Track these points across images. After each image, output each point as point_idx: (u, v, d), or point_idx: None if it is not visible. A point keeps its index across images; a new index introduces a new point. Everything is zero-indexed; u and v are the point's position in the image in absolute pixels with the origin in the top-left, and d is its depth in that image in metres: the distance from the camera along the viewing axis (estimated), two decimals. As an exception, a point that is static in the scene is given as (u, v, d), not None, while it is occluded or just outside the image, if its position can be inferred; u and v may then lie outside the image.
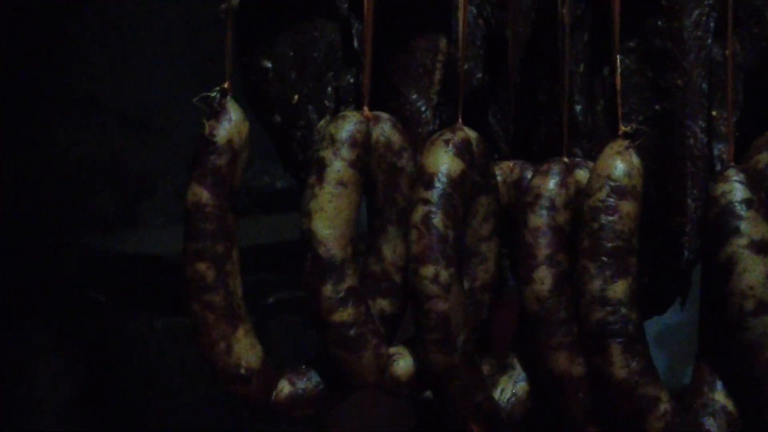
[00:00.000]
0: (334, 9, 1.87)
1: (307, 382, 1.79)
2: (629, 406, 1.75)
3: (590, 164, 1.80)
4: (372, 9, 1.77)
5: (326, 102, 1.88)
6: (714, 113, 1.82)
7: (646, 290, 1.82)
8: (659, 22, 1.81)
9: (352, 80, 1.88)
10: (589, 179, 1.77)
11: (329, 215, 1.73)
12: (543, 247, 1.76)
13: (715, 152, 1.82)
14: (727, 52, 1.78)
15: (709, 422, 1.78)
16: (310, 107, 1.87)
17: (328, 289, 1.73)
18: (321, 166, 1.74)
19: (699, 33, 1.80)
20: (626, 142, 1.75)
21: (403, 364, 1.79)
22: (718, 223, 1.75)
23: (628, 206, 1.74)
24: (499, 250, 1.84)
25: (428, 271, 1.72)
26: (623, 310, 1.73)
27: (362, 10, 1.78)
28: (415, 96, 1.86)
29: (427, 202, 1.74)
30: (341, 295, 1.73)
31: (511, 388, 1.82)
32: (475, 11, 1.90)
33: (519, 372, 1.82)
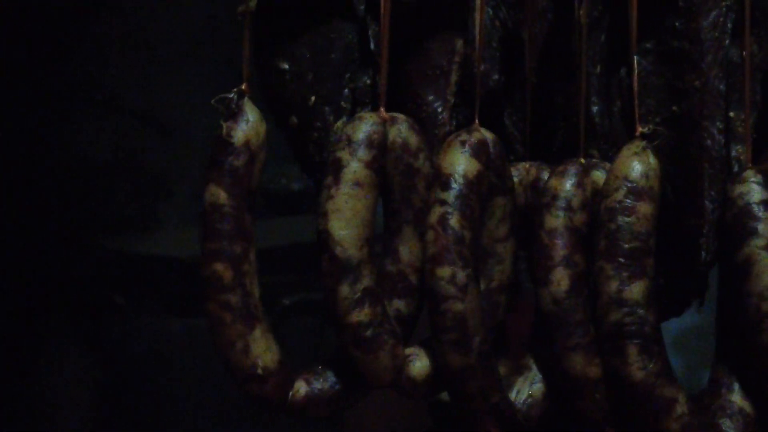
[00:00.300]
0: (351, 11, 1.87)
1: (324, 382, 1.79)
2: (646, 407, 1.75)
3: (607, 165, 1.80)
4: (389, 10, 1.77)
5: (343, 103, 1.88)
6: (731, 114, 1.82)
7: (663, 292, 1.82)
8: (676, 23, 1.81)
9: (368, 81, 1.88)
10: (606, 180, 1.76)
11: (346, 216, 1.73)
12: (560, 248, 1.76)
13: (733, 153, 1.82)
14: (744, 53, 1.78)
15: (726, 424, 1.78)
16: (327, 108, 1.88)
17: (344, 290, 1.73)
18: (338, 167, 1.74)
19: (716, 34, 1.79)
20: (643, 143, 1.75)
21: (419, 364, 1.79)
22: (736, 224, 1.75)
23: (645, 207, 1.74)
24: (516, 251, 1.84)
25: (445, 272, 1.72)
26: (640, 311, 1.73)
27: (379, 12, 1.78)
28: (431, 97, 1.86)
29: (443, 203, 1.74)
30: (358, 295, 1.73)
31: (527, 389, 1.82)
32: (491, 12, 1.90)
33: (535, 373, 1.82)
